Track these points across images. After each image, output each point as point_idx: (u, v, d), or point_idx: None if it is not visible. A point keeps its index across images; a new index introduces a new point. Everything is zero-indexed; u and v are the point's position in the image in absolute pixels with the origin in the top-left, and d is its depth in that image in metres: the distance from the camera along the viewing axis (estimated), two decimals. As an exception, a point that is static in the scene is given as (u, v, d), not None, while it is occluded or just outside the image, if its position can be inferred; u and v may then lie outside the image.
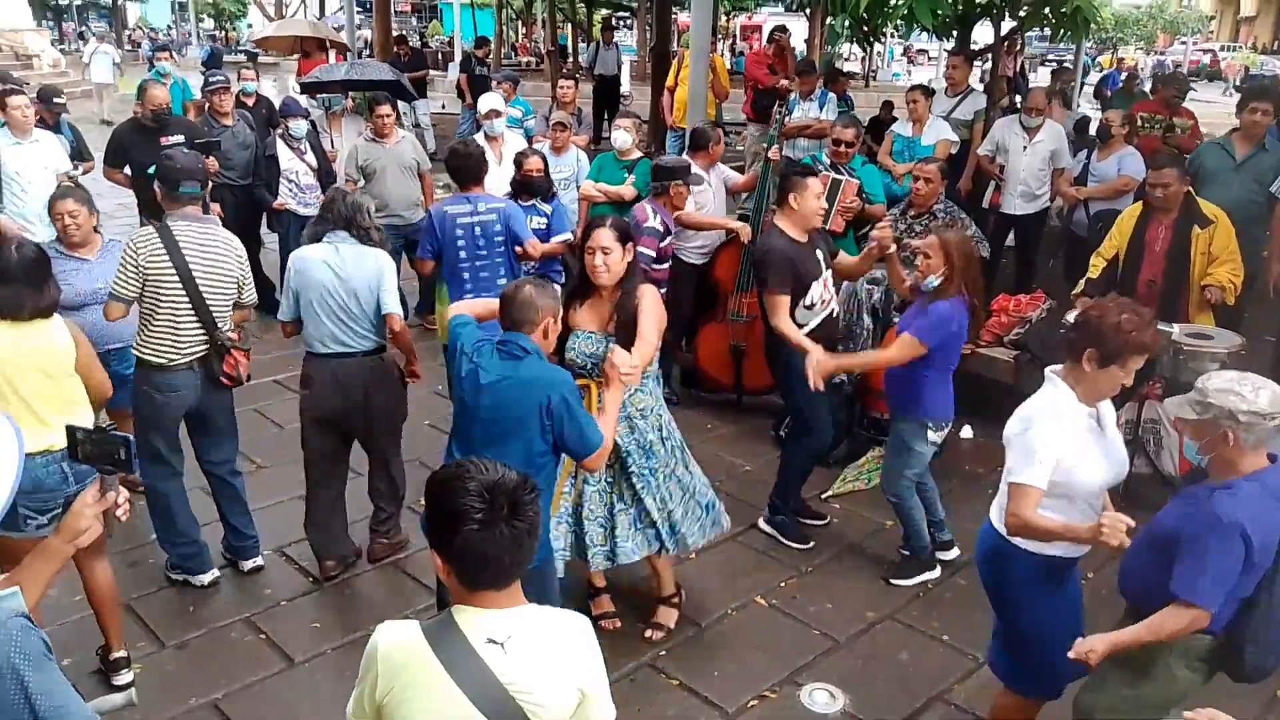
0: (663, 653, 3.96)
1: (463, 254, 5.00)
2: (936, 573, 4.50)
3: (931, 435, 4.20)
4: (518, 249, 5.09)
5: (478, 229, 4.99)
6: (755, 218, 5.97)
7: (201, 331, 3.99)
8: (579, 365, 3.64)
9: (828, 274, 4.52)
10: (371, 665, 1.84)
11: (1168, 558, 2.62)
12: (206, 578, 4.30)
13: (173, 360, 3.96)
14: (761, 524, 4.87)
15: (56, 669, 1.89)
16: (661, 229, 5.23)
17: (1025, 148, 7.09)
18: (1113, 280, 5.44)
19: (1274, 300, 5.79)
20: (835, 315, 4.64)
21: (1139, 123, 7.86)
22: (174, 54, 14.74)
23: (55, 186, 6.36)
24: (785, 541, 4.76)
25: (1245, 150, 5.88)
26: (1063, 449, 2.84)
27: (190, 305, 3.93)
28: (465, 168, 5.02)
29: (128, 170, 6.92)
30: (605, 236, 3.60)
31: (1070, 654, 2.70)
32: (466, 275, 5.02)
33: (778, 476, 4.84)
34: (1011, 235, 7.55)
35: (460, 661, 1.77)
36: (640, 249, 5.12)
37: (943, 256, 4.01)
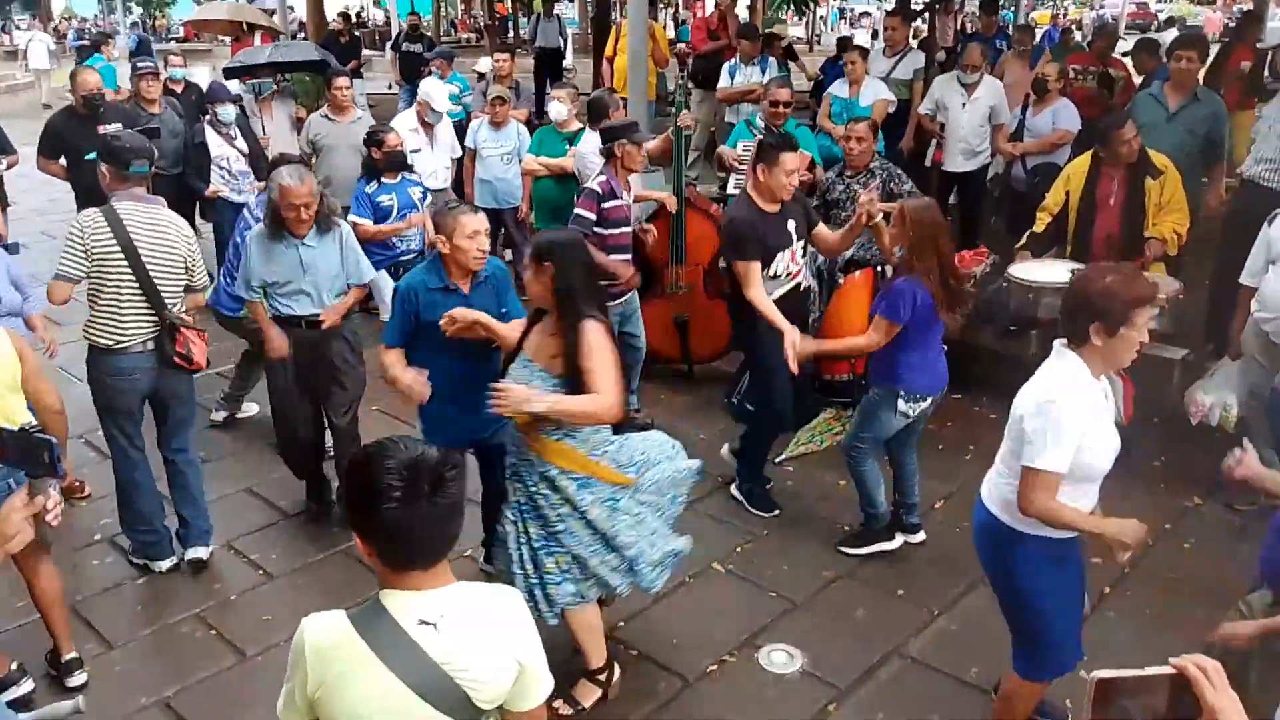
0: (621, 624, 3.96)
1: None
2: (895, 544, 4.41)
3: (902, 406, 4.08)
4: None
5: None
6: (676, 185, 5.84)
7: (150, 312, 3.95)
8: None
9: (798, 245, 4.43)
10: (299, 660, 1.78)
11: None
12: (165, 564, 4.29)
13: (119, 342, 3.92)
14: (732, 490, 4.87)
15: None
16: (600, 190, 5.07)
17: (964, 105, 7.12)
18: (1059, 234, 5.48)
19: (1208, 248, 5.89)
20: (803, 288, 4.52)
21: (1071, 74, 7.93)
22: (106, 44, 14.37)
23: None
24: (750, 509, 4.76)
25: (1178, 101, 5.92)
26: (1083, 430, 2.70)
27: (137, 285, 3.90)
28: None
29: (63, 161, 6.72)
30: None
31: (1215, 636, 2.56)
32: None
33: (741, 446, 4.84)
34: (955, 193, 7.60)
35: (392, 646, 1.73)
36: (577, 211, 5.03)
37: (901, 226, 3.93)
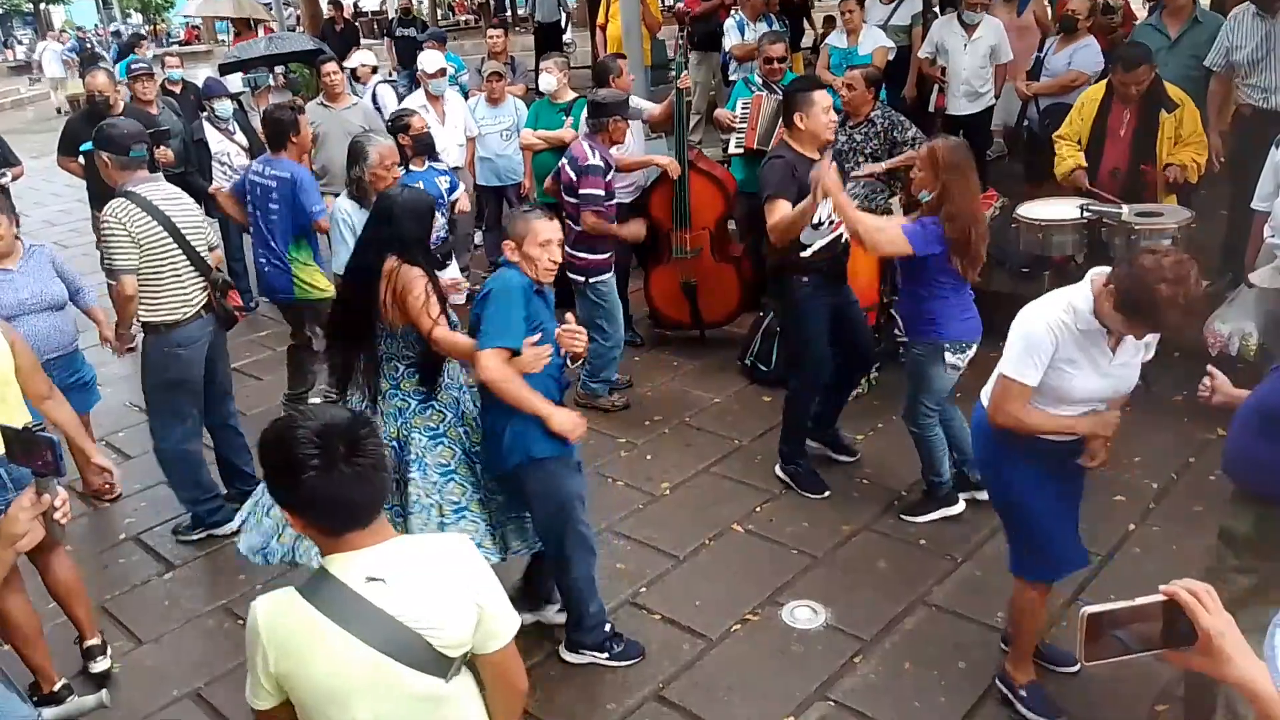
0: (643, 589, 3.97)
1: (250, 207, 5.32)
2: (958, 508, 4.26)
3: (950, 358, 3.89)
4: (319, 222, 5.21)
5: (259, 189, 5.21)
6: (679, 149, 5.77)
7: (200, 278, 4.18)
8: None
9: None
10: (256, 642, 1.76)
11: (1274, 434, 2.55)
12: (235, 524, 4.22)
13: (187, 313, 4.14)
14: (777, 470, 4.68)
15: None
16: (603, 164, 5.07)
17: (965, 46, 6.97)
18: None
19: (1224, 175, 5.75)
20: (845, 242, 4.31)
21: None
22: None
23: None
24: (800, 491, 4.56)
25: (1178, 26, 5.77)
26: (1062, 351, 2.73)
27: (185, 256, 4.10)
28: (274, 131, 5.25)
29: (81, 160, 6.77)
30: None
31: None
32: (256, 227, 5.33)
33: (782, 422, 4.66)
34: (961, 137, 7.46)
35: (346, 609, 1.71)
36: (587, 191, 5.03)
37: (930, 169, 3.70)
